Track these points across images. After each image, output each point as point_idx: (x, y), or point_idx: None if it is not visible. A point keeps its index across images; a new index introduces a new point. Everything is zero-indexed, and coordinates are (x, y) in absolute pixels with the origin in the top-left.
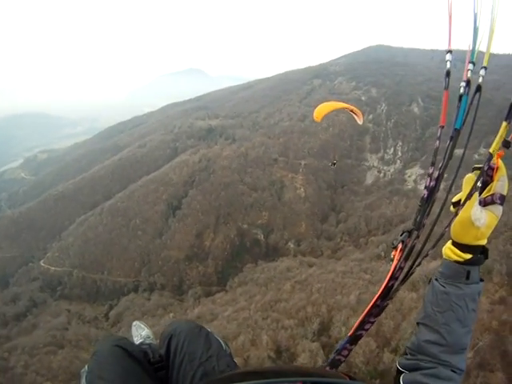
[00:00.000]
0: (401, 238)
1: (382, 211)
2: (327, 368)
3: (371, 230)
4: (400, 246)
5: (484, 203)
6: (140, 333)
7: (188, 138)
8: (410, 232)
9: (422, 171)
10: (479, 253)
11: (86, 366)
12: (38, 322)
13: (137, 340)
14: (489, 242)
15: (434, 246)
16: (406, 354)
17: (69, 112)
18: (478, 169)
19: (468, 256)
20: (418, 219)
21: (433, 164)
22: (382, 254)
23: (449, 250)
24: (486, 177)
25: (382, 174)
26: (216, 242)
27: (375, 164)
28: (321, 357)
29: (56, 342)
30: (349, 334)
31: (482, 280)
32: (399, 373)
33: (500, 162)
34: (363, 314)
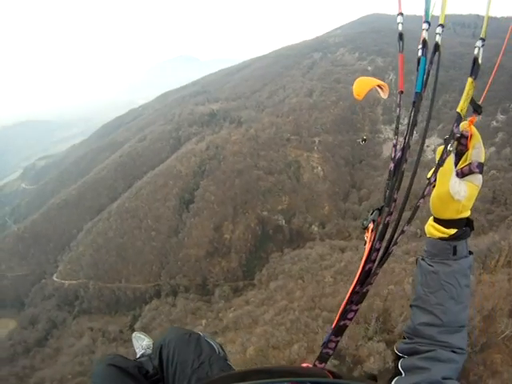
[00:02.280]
0: (371, 216)
1: (405, 184)
2: (316, 362)
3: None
4: (371, 225)
5: (462, 174)
6: (141, 344)
7: (190, 125)
8: (380, 209)
9: (440, 140)
10: (464, 225)
11: None
12: (61, 346)
13: (138, 351)
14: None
15: (409, 221)
16: (404, 339)
17: (62, 115)
18: (451, 138)
19: (452, 231)
20: (387, 194)
21: (396, 133)
22: (418, 231)
23: (431, 228)
24: (461, 146)
25: (399, 146)
26: (236, 233)
27: (390, 136)
28: (390, 358)
29: (85, 371)
30: (332, 326)
31: (471, 253)
32: (398, 358)
33: (473, 129)
34: (343, 302)
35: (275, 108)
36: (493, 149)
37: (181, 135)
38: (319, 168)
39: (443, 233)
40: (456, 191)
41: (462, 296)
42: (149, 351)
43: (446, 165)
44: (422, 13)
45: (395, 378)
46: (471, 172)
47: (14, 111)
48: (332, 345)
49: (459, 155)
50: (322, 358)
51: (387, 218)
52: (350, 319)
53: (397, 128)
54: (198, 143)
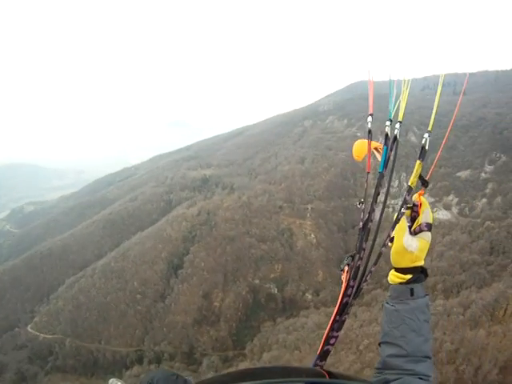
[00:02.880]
0: (346, 261)
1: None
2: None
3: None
4: (346, 268)
5: (414, 233)
6: None
7: (182, 189)
8: (353, 256)
9: (432, 199)
10: (419, 272)
11: None
12: None
13: None
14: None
15: (375, 263)
16: (375, 375)
17: (55, 163)
18: (407, 208)
19: (408, 276)
20: (357, 245)
21: (362, 202)
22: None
23: (393, 276)
24: (413, 213)
25: (390, 209)
26: (226, 301)
27: (381, 199)
28: None
29: None
30: (317, 353)
31: (427, 294)
32: None
33: (422, 199)
34: (326, 330)
35: (267, 175)
36: (484, 200)
37: (172, 198)
38: (312, 235)
39: (402, 278)
40: (408, 244)
41: (423, 329)
42: None
43: (400, 224)
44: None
45: None
46: (421, 230)
47: (9, 152)
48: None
49: (413, 220)
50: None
51: (358, 262)
52: (332, 344)
53: (365, 198)
54: (189, 208)
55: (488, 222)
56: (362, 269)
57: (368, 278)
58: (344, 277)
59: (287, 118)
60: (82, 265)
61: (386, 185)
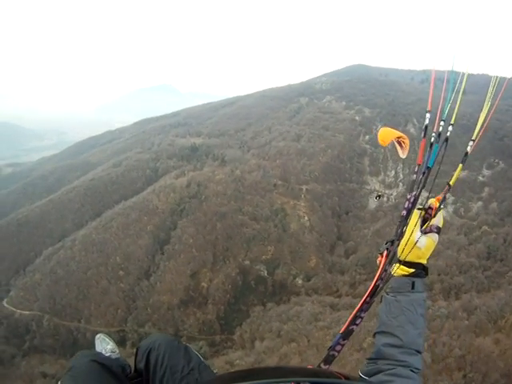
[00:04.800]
0: (385, 246)
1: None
2: (322, 364)
3: None
4: (385, 252)
5: (425, 232)
6: (104, 347)
7: (169, 157)
8: (392, 242)
9: (426, 194)
10: (421, 269)
11: (59, 382)
12: None
13: (105, 354)
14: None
15: (406, 256)
16: (367, 365)
17: (36, 123)
18: (422, 209)
19: (412, 270)
20: (398, 231)
21: (410, 190)
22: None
23: (397, 268)
24: (427, 215)
25: (385, 198)
26: (215, 282)
27: (376, 187)
28: None
29: None
30: (341, 330)
31: (424, 291)
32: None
33: (437, 204)
34: (355, 309)
35: (261, 150)
36: (480, 203)
37: (159, 166)
38: (306, 218)
39: (405, 271)
40: (418, 240)
41: (419, 322)
42: (114, 355)
43: (413, 220)
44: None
45: None
46: (431, 231)
47: None
48: (338, 347)
49: (425, 221)
50: (328, 360)
51: (396, 249)
52: (357, 325)
53: (412, 187)
54: (177, 178)
55: (485, 227)
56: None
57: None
58: (381, 260)
59: (281, 93)
60: (61, 235)
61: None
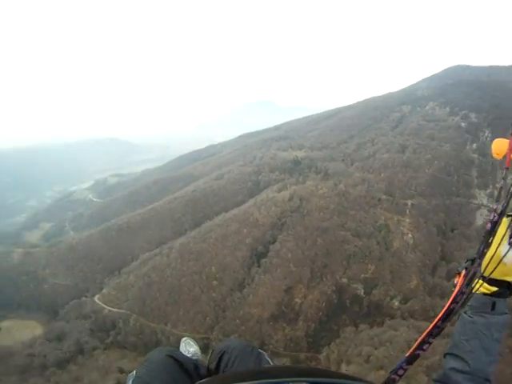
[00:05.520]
0: (465, 264)
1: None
2: None
3: None
4: (464, 272)
5: None
6: (188, 349)
7: (271, 170)
8: (473, 260)
9: None
10: (505, 287)
11: (135, 371)
12: (81, 377)
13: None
14: None
15: (491, 273)
16: None
17: (143, 139)
18: (510, 215)
19: (494, 288)
20: (480, 248)
21: (497, 200)
22: None
23: (478, 285)
24: None
25: (493, 214)
26: (309, 298)
27: (484, 202)
28: None
29: None
30: (407, 354)
31: (507, 313)
32: None
33: None
34: (424, 333)
35: (364, 162)
36: None
37: (260, 180)
38: (409, 235)
39: (487, 289)
40: (504, 254)
41: (493, 349)
42: (196, 357)
43: (500, 231)
44: None
45: None
46: None
47: (101, 127)
48: (401, 372)
49: None
50: (388, 383)
51: (477, 268)
52: (425, 350)
53: (498, 196)
54: (279, 191)
55: None
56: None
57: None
58: (458, 280)
59: (382, 102)
60: (159, 242)
61: None
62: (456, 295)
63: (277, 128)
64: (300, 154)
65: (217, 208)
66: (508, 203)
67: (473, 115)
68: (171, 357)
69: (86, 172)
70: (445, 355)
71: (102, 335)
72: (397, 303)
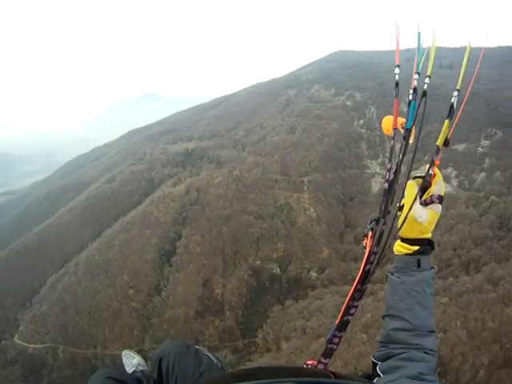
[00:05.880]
0: (370, 226)
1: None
2: (321, 358)
3: None
4: (370, 233)
5: (425, 203)
6: (131, 361)
7: (163, 165)
8: (377, 220)
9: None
10: (426, 244)
11: None
12: None
13: (129, 369)
14: None
15: (398, 230)
16: (379, 348)
17: (22, 148)
18: (419, 177)
19: (416, 247)
20: (382, 208)
21: (390, 160)
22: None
23: (399, 246)
24: (426, 183)
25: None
26: (229, 287)
27: (377, 170)
28: None
29: None
30: (336, 322)
31: (433, 267)
32: (375, 365)
33: (436, 169)
34: (347, 299)
35: (256, 147)
36: (483, 174)
37: (154, 176)
38: (312, 209)
39: (408, 249)
40: (419, 215)
41: (428, 302)
42: (140, 368)
43: (410, 192)
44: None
45: (375, 379)
46: (432, 202)
47: None
48: (336, 340)
49: (424, 190)
50: (327, 354)
51: (382, 227)
52: (352, 314)
53: (390, 156)
54: (175, 186)
55: (493, 197)
56: (386, 234)
57: (392, 244)
58: (367, 242)
59: (267, 87)
60: (63, 260)
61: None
62: (368, 256)
63: (161, 122)
64: (190, 145)
65: (114, 213)
66: (402, 161)
67: (357, 95)
68: (111, 378)
69: None
70: (383, 317)
71: (35, 377)
72: (314, 274)
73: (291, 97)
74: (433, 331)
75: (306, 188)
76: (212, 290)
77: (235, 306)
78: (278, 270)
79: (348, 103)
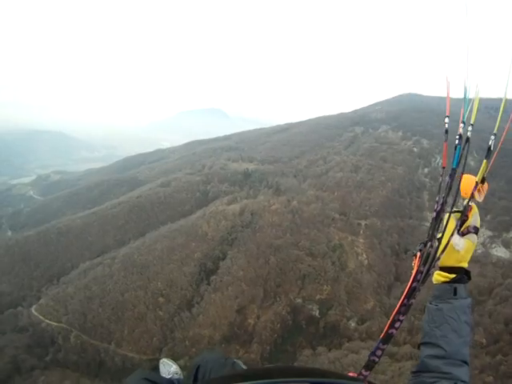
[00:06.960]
0: (418, 247)
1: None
2: (363, 370)
3: None
4: (419, 254)
5: (462, 234)
6: (168, 369)
7: (221, 181)
8: (425, 243)
9: (490, 233)
10: (463, 273)
11: None
12: None
13: (166, 376)
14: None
15: (442, 252)
16: (411, 378)
17: (87, 135)
18: (457, 211)
19: (453, 275)
20: (430, 233)
21: (438, 192)
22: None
23: (437, 275)
24: (464, 216)
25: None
26: (263, 319)
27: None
28: None
29: None
30: (381, 335)
31: (469, 297)
32: None
33: (473, 204)
34: (393, 312)
35: (317, 180)
36: None
37: (209, 190)
38: (364, 255)
39: (446, 277)
40: (456, 243)
41: (463, 330)
42: (176, 376)
43: (450, 223)
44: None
45: None
46: (469, 232)
47: (46, 118)
48: (379, 353)
49: (462, 223)
50: (369, 366)
51: (429, 249)
52: (397, 328)
53: (439, 189)
54: (229, 204)
55: None
56: (431, 256)
57: (436, 264)
58: (415, 262)
59: (335, 121)
60: (101, 250)
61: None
62: (416, 274)
63: (227, 138)
64: (251, 166)
65: (163, 217)
66: (448, 195)
67: (424, 141)
68: (147, 379)
69: (28, 166)
70: (419, 346)
71: (40, 352)
72: (353, 324)
73: (358, 134)
74: (466, 362)
75: (362, 232)
76: (245, 318)
77: (265, 340)
78: (318, 312)
79: (415, 149)
